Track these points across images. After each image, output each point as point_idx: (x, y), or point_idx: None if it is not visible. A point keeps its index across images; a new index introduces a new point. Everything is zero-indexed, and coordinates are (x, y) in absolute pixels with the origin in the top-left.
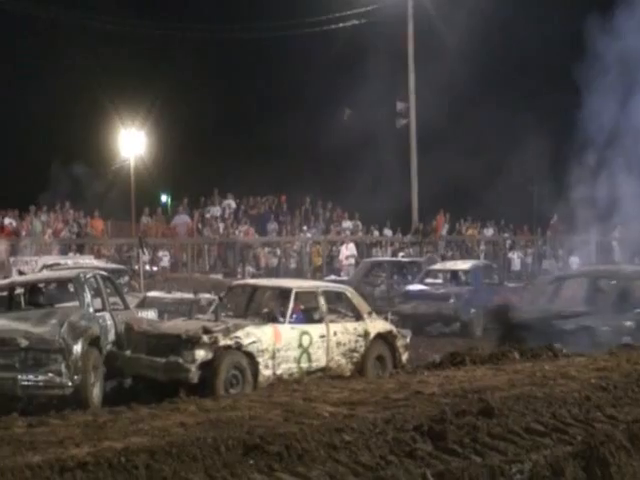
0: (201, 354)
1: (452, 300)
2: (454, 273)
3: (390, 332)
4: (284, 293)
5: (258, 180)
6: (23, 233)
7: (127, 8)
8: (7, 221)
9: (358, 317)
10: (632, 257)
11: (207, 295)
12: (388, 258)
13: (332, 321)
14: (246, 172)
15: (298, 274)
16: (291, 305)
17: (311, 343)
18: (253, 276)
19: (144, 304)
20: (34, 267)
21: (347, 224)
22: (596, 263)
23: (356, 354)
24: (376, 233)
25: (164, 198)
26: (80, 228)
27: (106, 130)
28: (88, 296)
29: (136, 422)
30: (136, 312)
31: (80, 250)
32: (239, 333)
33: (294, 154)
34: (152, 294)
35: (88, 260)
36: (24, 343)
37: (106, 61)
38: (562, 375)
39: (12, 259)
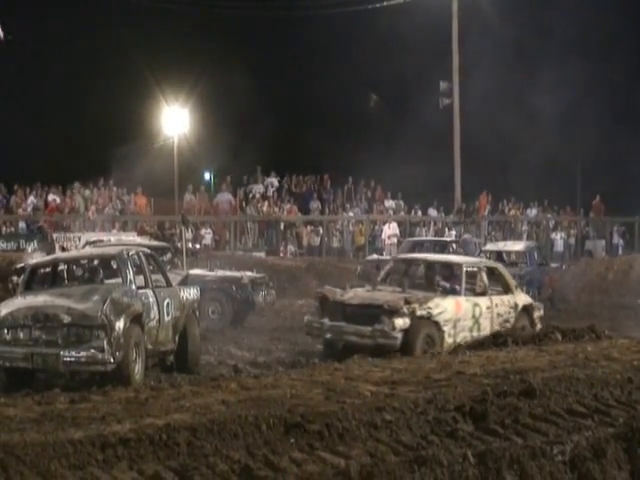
0: (400, 323)
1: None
2: (507, 254)
3: (531, 305)
4: (455, 268)
5: (301, 159)
6: (66, 210)
7: None
8: (51, 197)
9: (507, 290)
10: None
11: (249, 274)
12: (431, 238)
13: (493, 294)
14: (289, 151)
15: (340, 253)
16: (464, 278)
17: (481, 314)
18: (295, 255)
19: (187, 282)
20: (77, 244)
21: (389, 203)
22: None
23: (508, 324)
24: (419, 212)
25: (207, 176)
26: (123, 205)
27: (150, 108)
28: (131, 273)
29: (178, 399)
30: (178, 289)
31: (123, 227)
32: (430, 304)
33: (338, 133)
34: (195, 272)
35: (131, 237)
36: (67, 319)
37: (150, 38)
38: (604, 357)
39: (55, 235)
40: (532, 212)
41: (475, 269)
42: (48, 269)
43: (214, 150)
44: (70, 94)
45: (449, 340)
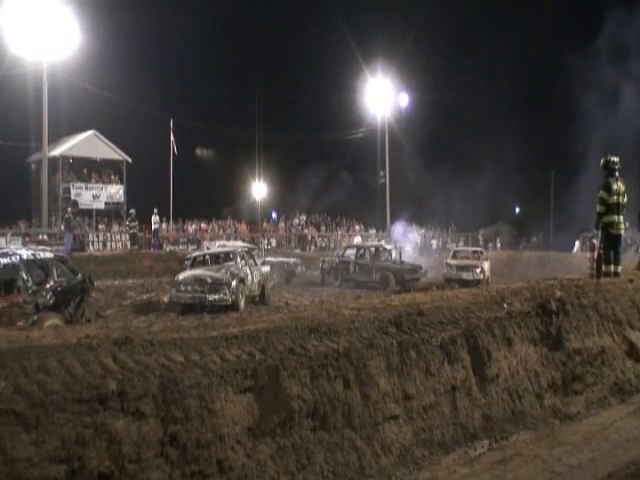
0: (478, 271)
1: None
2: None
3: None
4: (479, 251)
5: (317, 206)
6: (209, 230)
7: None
8: (203, 225)
9: (487, 258)
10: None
11: (292, 259)
12: (371, 243)
13: (485, 260)
14: (312, 202)
15: (335, 250)
16: (483, 255)
17: (489, 268)
18: (314, 251)
19: (264, 263)
20: (214, 246)
21: (357, 227)
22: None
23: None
24: (371, 231)
25: (274, 214)
26: (235, 228)
27: (245, 184)
28: (239, 259)
29: (261, 317)
30: (261, 267)
31: (235, 238)
32: (483, 263)
33: (333, 198)
34: (268, 259)
35: (238, 243)
36: (209, 280)
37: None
38: (455, 297)
39: (204, 242)
40: (421, 230)
41: (481, 251)
42: (201, 258)
43: (277, 202)
44: (213, 179)
45: (485, 278)
